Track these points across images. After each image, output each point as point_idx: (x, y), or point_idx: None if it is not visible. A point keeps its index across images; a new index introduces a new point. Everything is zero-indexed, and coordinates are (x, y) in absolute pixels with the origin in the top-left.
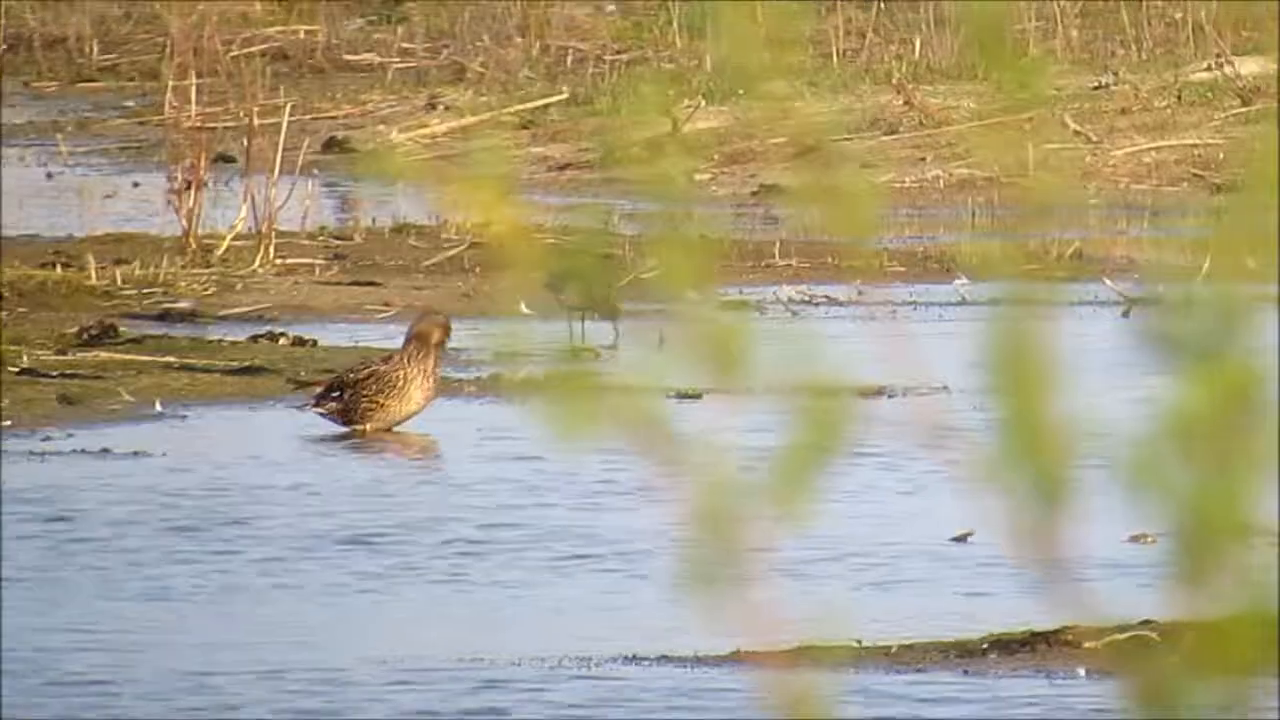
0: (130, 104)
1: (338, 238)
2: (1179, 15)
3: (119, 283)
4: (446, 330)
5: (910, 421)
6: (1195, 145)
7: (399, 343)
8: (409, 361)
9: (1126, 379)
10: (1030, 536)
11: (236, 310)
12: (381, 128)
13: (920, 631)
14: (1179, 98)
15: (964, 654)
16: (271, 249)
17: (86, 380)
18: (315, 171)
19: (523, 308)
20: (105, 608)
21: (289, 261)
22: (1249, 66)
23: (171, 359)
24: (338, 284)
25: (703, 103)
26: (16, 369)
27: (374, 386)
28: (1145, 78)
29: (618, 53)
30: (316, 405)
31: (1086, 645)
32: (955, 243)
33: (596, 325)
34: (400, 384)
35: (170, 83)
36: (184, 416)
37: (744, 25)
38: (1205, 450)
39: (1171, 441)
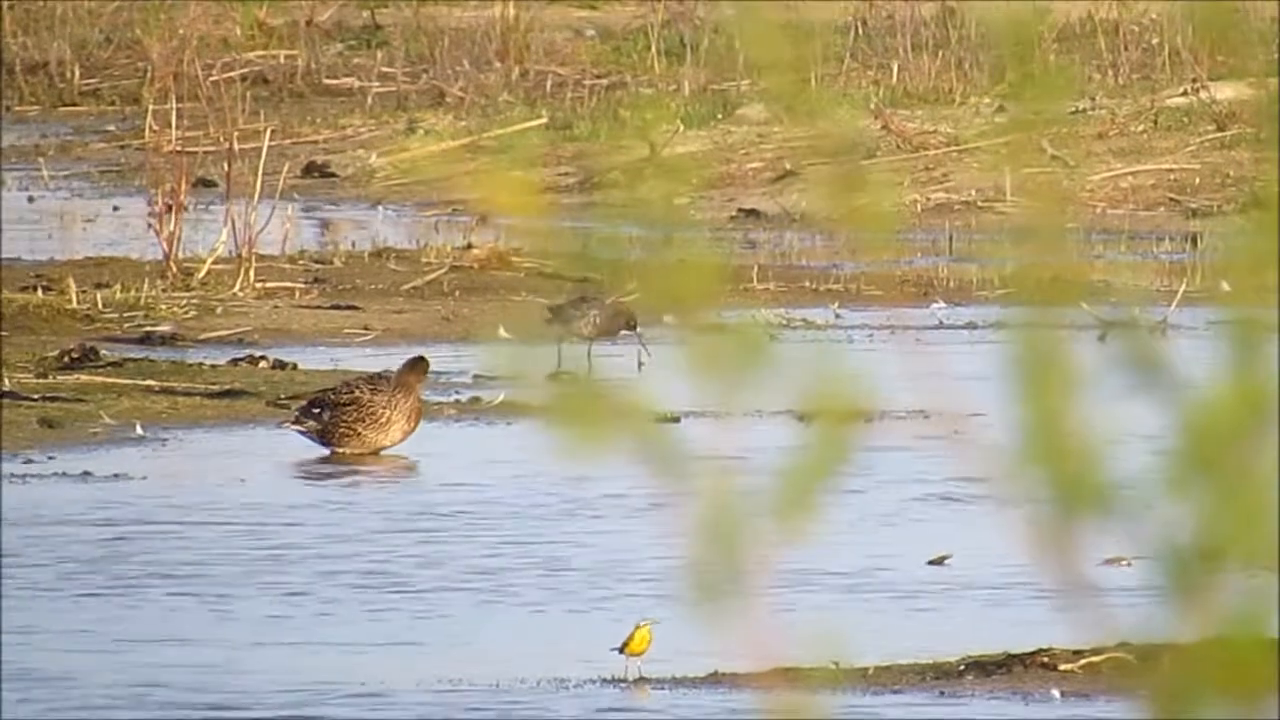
0: (111, 128)
1: (318, 261)
2: (1155, 40)
3: (100, 306)
4: (425, 368)
5: (890, 444)
6: (1171, 170)
7: (376, 366)
8: (394, 407)
9: (1105, 404)
10: (1036, 553)
11: (217, 333)
12: (361, 152)
13: (897, 653)
14: (1155, 122)
15: (940, 675)
16: (251, 273)
17: (67, 403)
18: (295, 195)
19: (502, 332)
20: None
21: (269, 285)
22: (1225, 91)
23: (152, 382)
24: (317, 307)
25: (681, 127)
26: None
27: (355, 414)
28: (1122, 103)
29: (597, 77)
30: (295, 423)
31: (1062, 667)
32: (932, 266)
33: (571, 349)
34: (383, 420)
35: (151, 107)
36: (164, 440)
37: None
38: (1196, 474)
39: (1162, 464)
